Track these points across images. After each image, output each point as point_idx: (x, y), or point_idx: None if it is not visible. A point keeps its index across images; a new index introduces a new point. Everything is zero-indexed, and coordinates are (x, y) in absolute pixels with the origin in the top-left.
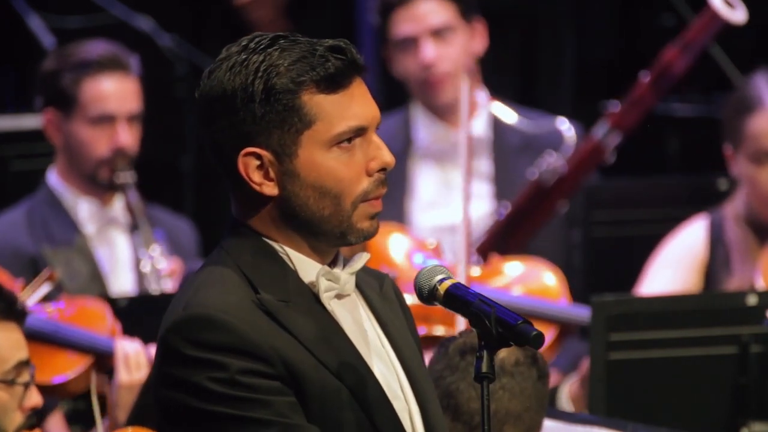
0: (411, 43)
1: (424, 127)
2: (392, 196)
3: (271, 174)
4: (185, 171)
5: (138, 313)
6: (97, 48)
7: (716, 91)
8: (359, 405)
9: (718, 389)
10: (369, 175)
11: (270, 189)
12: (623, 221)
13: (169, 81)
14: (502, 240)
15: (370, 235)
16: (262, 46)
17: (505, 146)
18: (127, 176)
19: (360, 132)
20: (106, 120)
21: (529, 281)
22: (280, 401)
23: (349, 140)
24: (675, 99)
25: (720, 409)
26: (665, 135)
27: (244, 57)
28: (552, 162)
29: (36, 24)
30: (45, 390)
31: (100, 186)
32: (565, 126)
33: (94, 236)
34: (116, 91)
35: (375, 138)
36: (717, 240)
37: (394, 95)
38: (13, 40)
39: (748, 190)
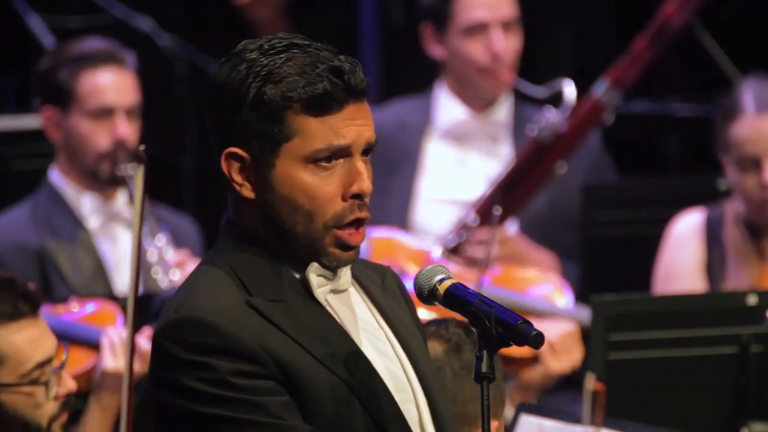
0: (480, 29)
1: (446, 110)
2: (404, 169)
3: (251, 177)
4: (185, 170)
5: (139, 311)
6: (92, 43)
7: (716, 91)
8: (358, 400)
9: (718, 389)
10: (344, 199)
11: (248, 192)
12: (623, 221)
13: (169, 81)
14: (500, 199)
15: (345, 263)
16: (273, 51)
17: (526, 132)
18: (128, 168)
19: (340, 153)
20: (105, 113)
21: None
22: (273, 401)
23: (329, 159)
24: (675, 99)
25: (720, 409)
26: (665, 135)
27: (254, 56)
28: (551, 118)
29: (36, 24)
30: None
31: (101, 182)
32: (568, 88)
33: (98, 231)
34: (114, 84)
35: (359, 164)
36: (713, 239)
37: (395, 88)
38: (13, 40)
39: (739, 195)
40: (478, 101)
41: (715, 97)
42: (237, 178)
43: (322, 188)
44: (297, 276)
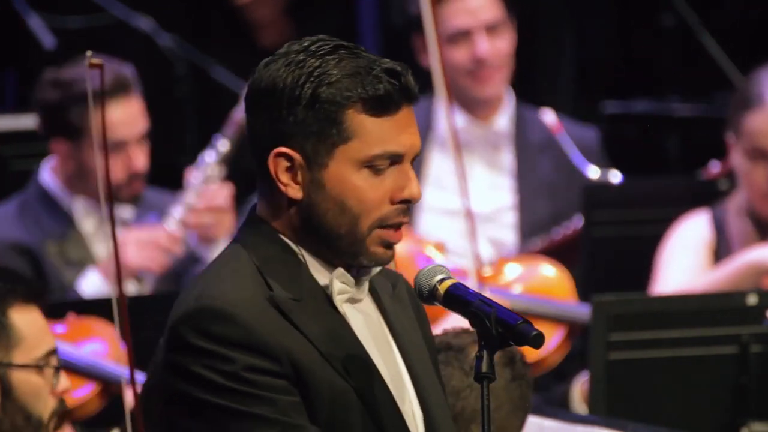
0: (463, 36)
1: (446, 118)
2: None
3: (299, 178)
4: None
5: (137, 313)
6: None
7: (716, 91)
8: (365, 407)
9: (718, 389)
10: (392, 203)
11: (294, 192)
12: (623, 221)
13: (169, 81)
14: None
15: (384, 262)
16: (321, 52)
17: (528, 142)
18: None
19: (395, 159)
20: (118, 146)
21: (532, 281)
22: (284, 400)
23: (382, 164)
24: (675, 99)
25: (720, 409)
26: (665, 135)
27: (301, 58)
28: (572, 226)
29: (36, 24)
30: None
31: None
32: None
33: (92, 234)
34: (124, 118)
35: (409, 169)
36: (720, 233)
37: None
38: (13, 40)
39: (743, 182)
40: (477, 108)
41: (715, 97)
42: (283, 178)
43: (373, 192)
44: (318, 281)
